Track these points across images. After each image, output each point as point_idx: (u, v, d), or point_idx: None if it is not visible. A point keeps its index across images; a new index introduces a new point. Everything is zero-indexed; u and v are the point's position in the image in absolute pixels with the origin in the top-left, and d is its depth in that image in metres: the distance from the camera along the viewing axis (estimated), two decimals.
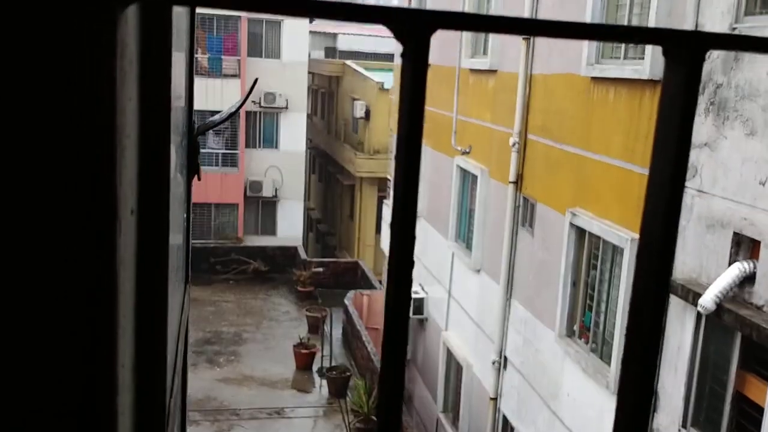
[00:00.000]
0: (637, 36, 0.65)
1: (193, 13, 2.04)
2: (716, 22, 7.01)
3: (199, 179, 1.86)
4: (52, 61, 0.52)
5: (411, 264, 0.54)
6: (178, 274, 1.68)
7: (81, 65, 0.53)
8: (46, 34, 0.52)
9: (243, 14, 27.14)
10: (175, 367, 1.42)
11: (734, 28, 6.84)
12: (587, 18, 9.29)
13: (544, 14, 10.75)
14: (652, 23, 7.97)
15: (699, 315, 7.10)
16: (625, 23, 8.80)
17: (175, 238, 1.47)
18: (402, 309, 0.55)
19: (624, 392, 0.59)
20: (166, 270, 0.94)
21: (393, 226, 0.54)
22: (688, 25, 7.39)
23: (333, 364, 18.86)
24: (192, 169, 1.87)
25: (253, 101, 27.63)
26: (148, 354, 0.96)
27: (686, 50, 0.58)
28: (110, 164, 0.55)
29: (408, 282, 0.54)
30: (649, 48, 8.00)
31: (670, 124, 0.58)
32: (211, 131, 27.05)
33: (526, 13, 10.99)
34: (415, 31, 0.54)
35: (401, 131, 0.55)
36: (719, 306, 6.64)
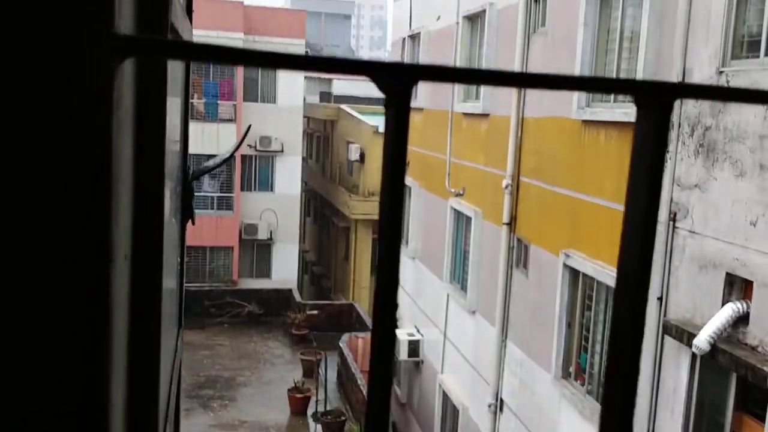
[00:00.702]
0: (608, 86, 0.68)
1: (188, 61, 2.08)
2: (704, 66, 7.13)
3: (193, 224, 1.89)
4: (50, 113, 0.55)
5: (395, 306, 0.56)
6: (172, 319, 1.69)
7: (78, 118, 0.56)
8: (46, 86, 0.55)
9: None
10: (167, 412, 1.43)
11: (721, 72, 6.95)
12: (577, 61, 9.43)
13: (535, 59, 10.91)
14: (640, 67, 8.10)
15: (694, 356, 7.09)
16: (614, 67, 8.94)
17: (169, 283, 1.48)
18: (387, 354, 0.57)
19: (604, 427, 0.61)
20: (159, 315, 0.95)
21: (378, 268, 0.57)
22: (676, 69, 7.51)
23: (328, 408, 18.66)
24: (186, 214, 1.90)
25: (248, 145, 27.78)
26: (141, 399, 0.97)
27: (655, 100, 0.61)
28: (105, 211, 0.58)
29: (392, 323, 0.57)
30: None
31: (640, 171, 0.61)
32: (206, 175, 27.13)
33: (517, 58, 11.16)
34: (396, 83, 0.57)
35: (385, 177, 0.58)
36: (714, 346, 6.63)
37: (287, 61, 0.59)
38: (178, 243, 1.80)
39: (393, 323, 0.59)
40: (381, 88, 0.56)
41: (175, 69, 1.66)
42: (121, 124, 0.68)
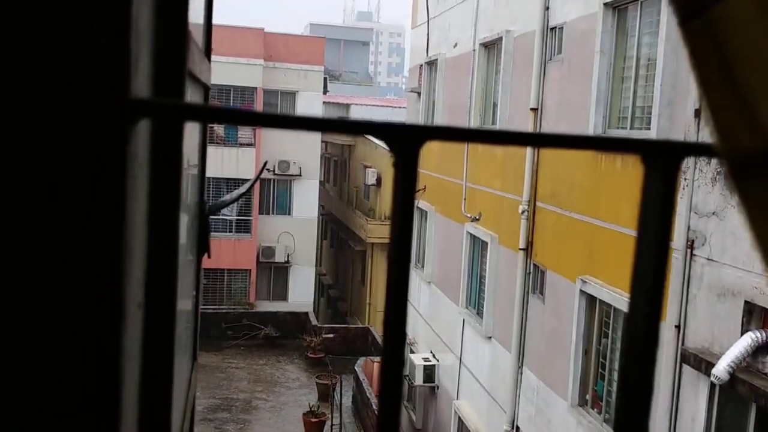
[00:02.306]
0: (616, 146, 0.69)
1: (207, 92, 2.11)
2: None
3: (209, 257, 1.91)
4: (63, 176, 0.57)
5: (404, 337, 0.57)
6: (186, 353, 1.71)
7: (91, 179, 0.57)
8: (60, 150, 0.57)
9: (258, 85, 27.69)
10: None
11: None
12: (593, 89, 9.44)
13: (551, 87, 10.93)
14: (657, 95, 8.10)
15: (713, 385, 7.01)
16: (631, 94, 8.94)
17: (184, 319, 1.50)
18: (396, 378, 0.58)
19: None
20: (172, 361, 0.97)
21: (384, 327, 0.58)
22: (692, 97, 7.50)
23: None
24: (203, 248, 1.92)
25: (267, 169, 27.95)
26: None
27: (662, 159, 0.62)
28: (118, 268, 0.59)
29: (401, 353, 0.57)
30: (655, 117, 8.11)
31: (648, 231, 0.61)
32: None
33: (533, 85, 11.19)
34: (404, 144, 0.58)
35: (393, 232, 0.60)
36: (732, 376, 6.55)
37: (296, 123, 0.61)
38: (194, 278, 1.82)
39: (401, 356, 0.59)
40: (391, 148, 0.58)
41: (195, 99, 1.69)
42: (136, 180, 0.70)
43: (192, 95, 1.35)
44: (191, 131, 1.72)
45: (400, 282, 0.58)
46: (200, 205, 1.90)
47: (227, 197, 2.79)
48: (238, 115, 0.62)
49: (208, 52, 1.79)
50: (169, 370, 0.94)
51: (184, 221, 1.56)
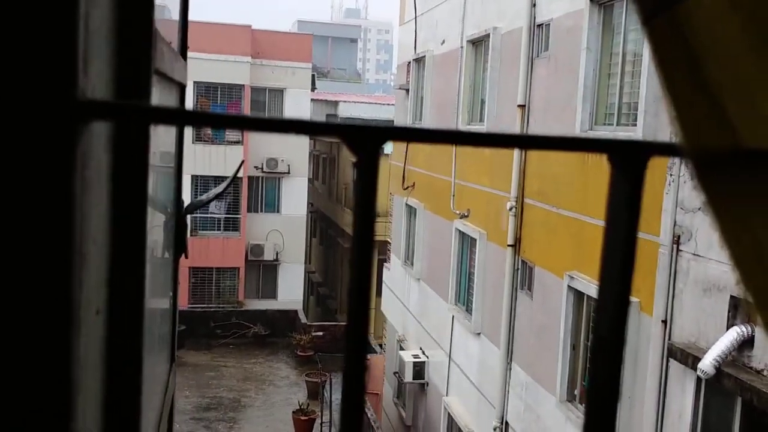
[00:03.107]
0: (583, 146, 0.68)
1: (182, 91, 2.09)
2: None
3: (186, 257, 1.89)
4: (7, 176, 0.55)
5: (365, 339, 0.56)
6: (161, 354, 1.69)
7: (36, 181, 0.56)
8: (3, 147, 0.55)
9: (246, 82, 27.61)
10: None
11: None
12: (580, 85, 9.46)
13: (538, 83, 10.94)
14: (643, 92, 8.12)
15: (699, 379, 7.04)
16: (617, 90, 8.96)
17: (157, 319, 1.48)
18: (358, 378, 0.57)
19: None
20: (140, 366, 0.95)
21: (348, 316, 0.57)
22: None
23: (333, 430, 18.56)
24: (180, 248, 1.90)
25: (255, 166, 27.91)
26: None
27: (628, 158, 0.61)
28: (66, 273, 0.57)
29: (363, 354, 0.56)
30: (641, 113, 8.13)
31: (616, 228, 0.60)
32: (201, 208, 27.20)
33: (520, 82, 11.20)
34: (364, 144, 0.57)
35: (355, 231, 0.59)
36: (719, 370, 6.58)
37: (265, 124, 0.60)
38: (170, 278, 1.80)
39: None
40: (351, 149, 0.57)
41: (168, 98, 1.67)
42: (90, 183, 0.68)
43: (163, 95, 1.33)
44: (166, 130, 1.70)
45: (361, 281, 0.57)
46: (177, 204, 1.88)
47: (204, 197, 2.77)
48: (189, 116, 0.61)
49: (184, 50, 1.77)
50: (137, 376, 0.92)
51: (159, 221, 1.54)
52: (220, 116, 0.60)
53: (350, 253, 0.58)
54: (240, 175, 27.19)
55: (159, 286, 1.45)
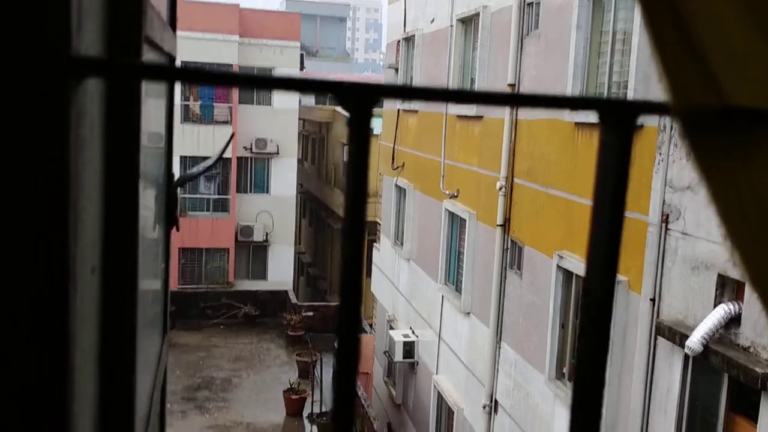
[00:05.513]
0: (574, 104, 0.69)
1: (172, 62, 2.08)
2: None
3: (177, 230, 1.89)
4: (2, 135, 0.56)
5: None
6: (155, 325, 1.70)
7: (31, 137, 0.56)
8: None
9: (234, 62, 27.44)
10: (149, 420, 1.43)
11: None
12: (570, 63, 9.45)
13: (528, 61, 10.93)
14: (633, 70, 8.12)
15: (687, 357, 7.11)
16: (607, 69, 8.96)
17: (149, 289, 1.49)
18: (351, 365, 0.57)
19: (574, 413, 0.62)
20: (135, 323, 0.96)
21: (341, 284, 0.58)
22: None
23: (324, 409, 18.67)
24: (170, 220, 1.90)
25: (244, 147, 27.82)
26: (115, 412, 0.97)
27: (618, 116, 0.62)
28: (62, 227, 0.58)
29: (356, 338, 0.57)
30: (631, 91, 8.14)
31: (606, 187, 0.61)
32: (202, 177, 27.10)
33: (510, 60, 11.18)
34: (357, 101, 0.58)
35: (348, 190, 0.60)
36: (706, 347, 6.65)
37: (257, 81, 0.60)
38: (162, 249, 1.80)
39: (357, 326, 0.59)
40: (345, 106, 0.58)
41: None
42: (84, 140, 0.68)
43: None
44: (156, 104, 1.69)
45: (353, 248, 0.57)
46: (167, 178, 1.89)
47: (194, 169, 2.77)
48: (179, 72, 0.61)
49: (173, 22, 1.77)
50: (132, 334, 0.93)
51: (151, 193, 1.54)
52: (212, 73, 0.60)
53: (343, 210, 0.59)
54: (229, 155, 27.10)
55: (151, 257, 1.46)
